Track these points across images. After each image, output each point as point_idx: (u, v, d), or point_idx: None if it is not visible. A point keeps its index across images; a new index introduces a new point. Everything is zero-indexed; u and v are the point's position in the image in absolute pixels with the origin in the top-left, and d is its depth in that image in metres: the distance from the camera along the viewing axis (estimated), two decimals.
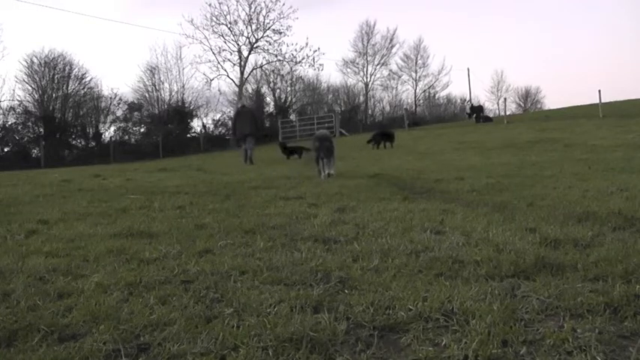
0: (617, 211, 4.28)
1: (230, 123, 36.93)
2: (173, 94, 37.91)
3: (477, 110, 31.56)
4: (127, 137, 35.87)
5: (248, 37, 36.31)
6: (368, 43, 46.43)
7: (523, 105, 60.21)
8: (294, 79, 41.04)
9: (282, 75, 39.59)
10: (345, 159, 13.44)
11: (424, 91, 49.56)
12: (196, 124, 38.16)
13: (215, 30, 36.07)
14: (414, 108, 47.52)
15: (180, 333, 2.18)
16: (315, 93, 43.81)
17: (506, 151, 13.95)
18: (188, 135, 36.40)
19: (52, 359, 2.00)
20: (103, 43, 61.90)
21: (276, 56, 36.67)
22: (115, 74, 60.93)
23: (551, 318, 2.22)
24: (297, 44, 45.19)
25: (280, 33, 35.99)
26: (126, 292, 2.72)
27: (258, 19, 36.09)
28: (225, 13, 36.10)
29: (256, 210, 5.35)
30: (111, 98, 35.79)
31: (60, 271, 3.13)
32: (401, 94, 48.77)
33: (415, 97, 49.05)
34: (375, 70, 46.32)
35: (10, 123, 31.88)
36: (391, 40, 46.89)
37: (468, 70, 50.54)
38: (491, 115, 39.29)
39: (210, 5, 36.63)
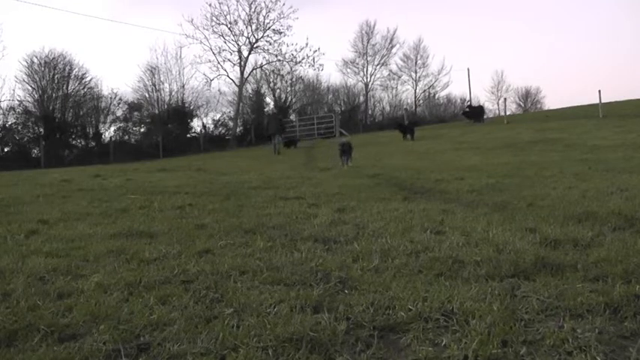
0: (617, 211, 4.28)
1: (231, 123, 37.30)
2: (173, 94, 37.81)
3: (476, 111, 31.51)
4: (127, 137, 35.78)
5: (248, 37, 36.21)
6: (368, 43, 46.27)
7: (523, 105, 60.11)
8: (294, 79, 40.96)
9: (282, 75, 39.51)
10: None
11: (424, 91, 49.42)
12: (196, 124, 38.12)
13: (215, 30, 35.95)
14: (414, 108, 47.44)
15: (180, 333, 2.18)
16: (315, 93, 43.71)
17: (506, 151, 13.95)
18: (188, 135, 36.34)
19: (52, 359, 2.00)
20: (103, 43, 61.76)
21: (276, 56, 36.58)
22: (115, 74, 60.62)
23: (551, 318, 2.22)
24: (297, 44, 45.25)
25: (280, 33, 35.87)
26: (126, 292, 2.72)
27: (258, 19, 35.96)
28: (225, 13, 35.97)
29: (256, 210, 5.35)
30: (111, 98, 35.68)
31: (60, 271, 3.13)
32: (401, 94, 48.63)
33: (415, 97, 49.00)
34: (375, 70, 46.18)
35: (10, 123, 31.78)
36: (391, 40, 46.72)
37: (468, 70, 50.42)
38: (491, 115, 39.28)
39: (210, 5, 36.62)
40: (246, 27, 35.95)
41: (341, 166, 11.78)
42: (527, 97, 60.65)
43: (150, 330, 2.23)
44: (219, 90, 39.12)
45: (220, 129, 37.96)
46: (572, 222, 4.00)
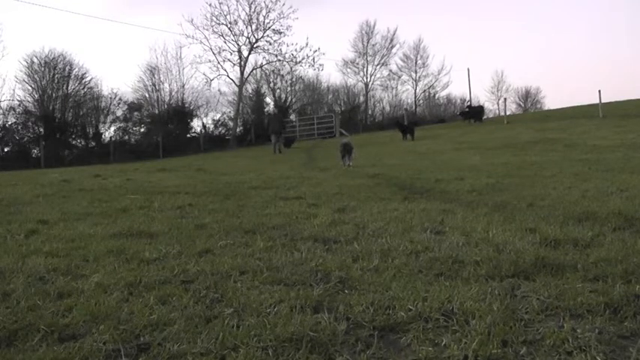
0: (617, 211, 4.27)
1: (231, 123, 37.32)
2: (173, 94, 37.83)
3: (475, 111, 31.55)
4: (127, 137, 35.78)
5: (248, 37, 36.18)
6: (368, 43, 46.22)
7: (523, 105, 60.12)
8: (294, 79, 40.99)
9: (282, 75, 39.50)
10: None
11: (424, 91, 49.44)
12: (196, 124, 38.14)
13: (215, 30, 35.92)
14: (414, 108, 47.43)
15: (180, 333, 2.18)
16: (315, 93, 43.72)
17: (506, 151, 13.94)
18: (188, 135, 36.35)
19: (52, 359, 2.00)
20: (103, 43, 61.84)
21: (276, 56, 36.55)
22: (115, 74, 60.69)
23: (551, 318, 2.22)
24: (297, 44, 45.19)
25: (280, 33, 35.83)
26: (126, 292, 2.72)
27: (258, 19, 35.93)
28: (225, 13, 35.94)
29: (256, 210, 5.35)
30: (111, 98, 35.69)
31: (60, 271, 3.13)
32: (401, 94, 48.62)
33: (415, 97, 49.00)
34: (375, 70, 46.14)
35: (10, 123, 31.80)
36: (391, 40, 46.67)
37: (468, 70, 50.50)
38: (491, 115, 39.31)
39: (210, 5, 36.59)
40: (246, 27, 35.96)
41: (342, 166, 11.92)
42: (527, 97, 60.68)
43: (150, 330, 2.23)
44: (219, 90, 39.22)
45: (220, 129, 37.97)
46: (572, 222, 4.00)
